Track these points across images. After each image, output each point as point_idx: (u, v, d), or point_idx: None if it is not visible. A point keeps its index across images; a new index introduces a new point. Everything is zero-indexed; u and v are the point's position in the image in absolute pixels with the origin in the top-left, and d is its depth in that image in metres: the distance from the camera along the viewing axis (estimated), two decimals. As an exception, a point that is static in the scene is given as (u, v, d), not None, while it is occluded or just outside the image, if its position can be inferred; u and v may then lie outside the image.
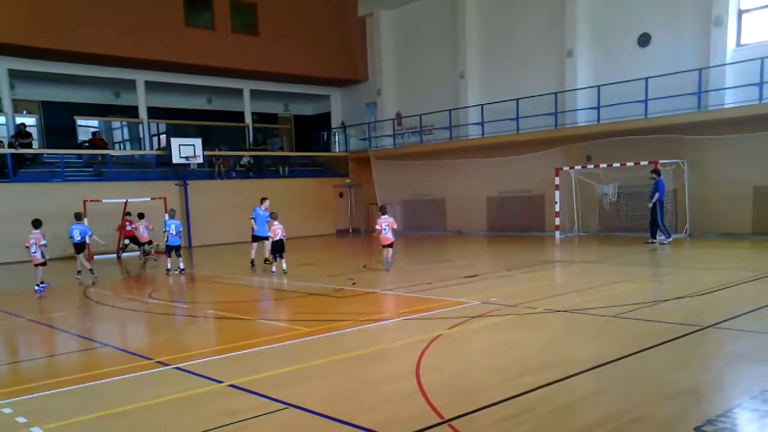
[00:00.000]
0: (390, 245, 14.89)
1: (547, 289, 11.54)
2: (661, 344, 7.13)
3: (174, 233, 15.99)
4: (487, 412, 5.22)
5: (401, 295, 11.55)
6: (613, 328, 8.24)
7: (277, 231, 14.99)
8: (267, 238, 15.78)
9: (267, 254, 16.34)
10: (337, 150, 32.39)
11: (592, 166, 21.57)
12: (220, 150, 28.18)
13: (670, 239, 18.38)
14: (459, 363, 6.93)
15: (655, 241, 18.38)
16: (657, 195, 18.27)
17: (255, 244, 16.95)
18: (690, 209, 20.11)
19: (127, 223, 20.63)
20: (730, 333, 7.71)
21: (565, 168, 21.98)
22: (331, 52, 30.35)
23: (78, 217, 16.33)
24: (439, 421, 5.04)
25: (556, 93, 22.81)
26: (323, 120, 33.75)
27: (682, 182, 20.11)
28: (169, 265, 16.17)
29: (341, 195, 30.11)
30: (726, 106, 19.14)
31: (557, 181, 21.86)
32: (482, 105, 25.29)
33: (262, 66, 28.13)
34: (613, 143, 21.20)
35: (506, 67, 25.46)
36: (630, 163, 19.96)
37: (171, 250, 16.13)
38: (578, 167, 21.89)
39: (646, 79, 19.98)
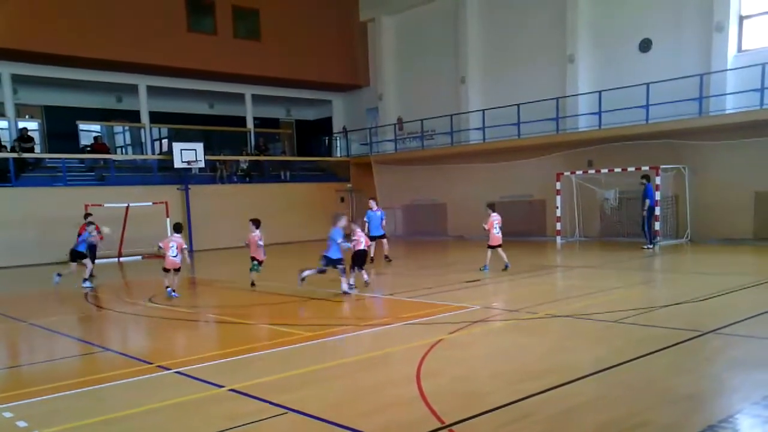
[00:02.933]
0: (500, 245, 14.66)
1: (549, 294, 11.53)
2: (662, 349, 7.13)
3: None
4: (488, 417, 5.22)
5: (402, 299, 11.54)
6: (614, 334, 8.23)
7: (361, 240, 12.90)
8: (383, 236, 16.02)
9: (386, 251, 17.05)
10: (338, 155, 32.44)
11: (593, 171, 21.56)
12: (222, 155, 28.22)
13: (652, 246, 18.55)
14: (460, 368, 6.92)
15: (651, 246, 18.49)
16: (648, 201, 18.54)
17: (372, 243, 16.82)
18: (691, 215, 20.10)
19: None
20: (731, 338, 7.70)
21: (567, 173, 21.96)
22: (332, 57, 30.44)
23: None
24: (440, 426, 5.03)
25: (557, 98, 22.83)
26: (325, 125, 33.83)
27: (683, 188, 20.10)
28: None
29: (342, 200, 30.12)
30: (727, 112, 19.13)
31: (558, 186, 21.85)
32: (483, 110, 25.32)
33: (264, 71, 28.19)
34: (615, 148, 21.19)
35: (507, 72, 25.49)
36: (631, 168, 19.94)
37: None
38: (579, 172, 21.87)
39: (648, 84, 19.99)
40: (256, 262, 13.69)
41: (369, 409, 5.59)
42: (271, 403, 5.75)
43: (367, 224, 16.78)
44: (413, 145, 28.61)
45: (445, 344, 7.89)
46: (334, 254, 12.03)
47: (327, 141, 33.10)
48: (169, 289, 12.75)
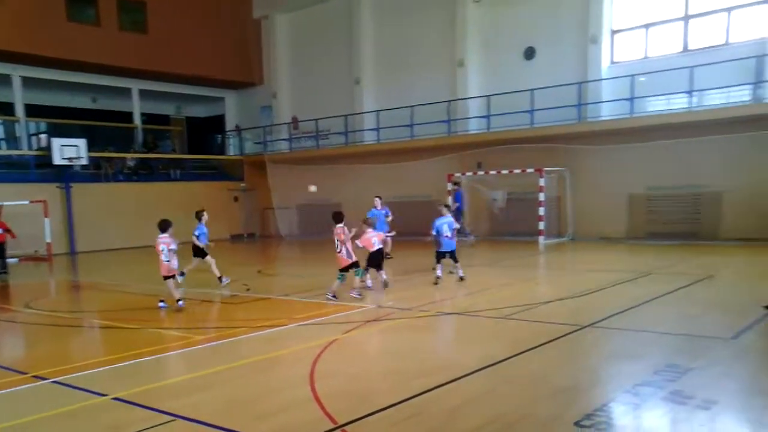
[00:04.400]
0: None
1: (441, 293, 11.81)
2: (545, 344, 7.50)
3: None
4: (381, 416, 5.29)
5: (297, 300, 11.48)
6: (501, 330, 8.57)
7: (373, 240, 11.65)
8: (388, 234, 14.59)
9: (388, 249, 15.62)
10: (231, 153, 31.74)
11: (482, 173, 22.34)
12: (107, 151, 26.88)
13: (470, 239, 20.27)
14: (353, 367, 6.98)
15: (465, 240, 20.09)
16: (458, 204, 19.90)
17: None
18: (572, 215, 21.27)
19: None
20: (607, 332, 8.22)
21: (458, 174, 22.61)
22: (224, 54, 29.73)
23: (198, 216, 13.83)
24: (333, 426, 5.05)
25: (448, 101, 23.47)
26: (217, 122, 33.00)
27: (565, 189, 21.23)
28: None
29: (236, 199, 29.51)
30: (602, 119, 20.43)
31: (450, 186, 22.45)
32: (377, 111, 25.62)
33: (151, 65, 27.12)
34: (502, 151, 22.03)
35: (401, 74, 25.92)
36: (517, 171, 20.83)
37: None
38: (470, 174, 22.59)
39: (532, 90, 20.98)
40: (348, 271, 11.20)
41: (261, 413, 5.52)
42: (158, 410, 5.55)
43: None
44: (308, 144, 28.48)
45: (339, 344, 7.92)
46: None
47: (220, 139, 32.30)
48: (180, 302, 10.64)
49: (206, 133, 33.06)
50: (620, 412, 5.31)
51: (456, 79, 24.03)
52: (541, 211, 20.28)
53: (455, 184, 20.76)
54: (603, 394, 5.83)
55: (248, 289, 12.73)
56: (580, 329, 8.24)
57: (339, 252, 11.06)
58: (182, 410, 5.53)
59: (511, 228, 22.18)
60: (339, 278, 11.09)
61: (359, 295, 10.96)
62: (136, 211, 24.82)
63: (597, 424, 4.92)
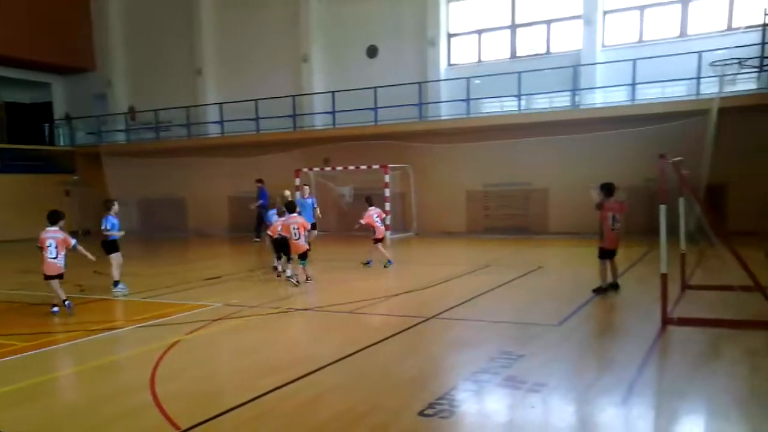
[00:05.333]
0: (383, 239, 14.54)
1: (288, 289, 11.75)
2: (392, 336, 7.73)
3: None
4: (228, 417, 5.18)
5: (137, 300, 10.90)
6: (350, 324, 8.71)
7: (278, 228, 12.04)
8: (313, 226, 14.87)
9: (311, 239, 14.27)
10: (61, 144, 29.32)
11: (329, 169, 22.49)
12: None
13: (259, 239, 20.13)
14: (199, 368, 6.76)
15: (258, 239, 20.22)
16: (261, 201, 20.45)
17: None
18: (416, 210, 22.04)
19: None
20: (449, 322, 8.62)
21: (305, 169, 22.58)
22: (48, 34, 27.00)
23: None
24: (176, 432, 4.87)
25: (294, 96, 23.37)
26: (43, 110, 30.27)
27: (409, 186, 21.94)
28: None
29: (68, 194, 27.31)
30: (441, 118, 21.39)
31: (297, 182, 22.37)
32: (221, 104, 24.94)
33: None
34: (349, 147, 22.29)
35: (245, 67, 25.39)
36: (363, 167, 21.22)
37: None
38: (317, 169, 22.65)
39: (375, 88, 21.47)
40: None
41: (94, 424, 5.19)
42: (-25, 428, 5.04)
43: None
44: (148, 136, 27.06)
45: (182, 345, 7.63)
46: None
47: (47, 128, 29.70)
48: (56, 308, 9.71)
49: (31, 121, 30.23)
50: (461, 399, 5.59)
51: (301, 75, 24.00)
52: (387, 206, 20.80)
53: (258, 181, 20.91)
54: (445, 383, 6.11)
55: (82, 290, 11.88)
56: (425, 321, 8.58)
57: (297, 239, 11.60)
58: (4, 425, 5.05)
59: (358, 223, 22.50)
60: (302, 263, 11.80)
61: (297, 281, 11.70)
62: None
63: (440, 412, 5.15)
